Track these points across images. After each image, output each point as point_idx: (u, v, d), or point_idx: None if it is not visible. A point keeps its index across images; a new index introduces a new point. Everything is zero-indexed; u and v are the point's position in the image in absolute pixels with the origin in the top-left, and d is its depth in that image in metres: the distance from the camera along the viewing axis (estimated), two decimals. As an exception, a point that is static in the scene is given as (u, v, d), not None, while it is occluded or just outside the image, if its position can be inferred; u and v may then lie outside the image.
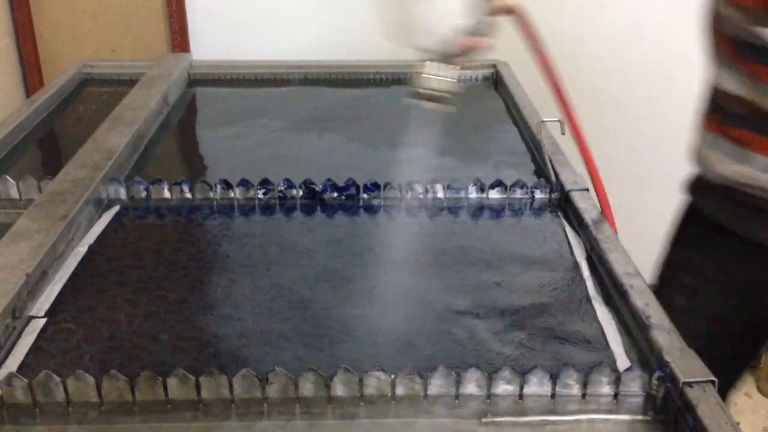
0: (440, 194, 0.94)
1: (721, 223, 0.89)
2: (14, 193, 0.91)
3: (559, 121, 0.97)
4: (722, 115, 0.87)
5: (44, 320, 0.69)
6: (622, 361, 0.65)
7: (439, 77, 0.77)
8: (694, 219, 0.95)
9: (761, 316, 0.92)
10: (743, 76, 0.82)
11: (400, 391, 0.60)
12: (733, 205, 0.87)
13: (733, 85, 0.84)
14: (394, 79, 1.42)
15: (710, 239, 0.91)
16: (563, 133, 0.99)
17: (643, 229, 1.29)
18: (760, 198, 0.83)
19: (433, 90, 0.77)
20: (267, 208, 0.93)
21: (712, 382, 0.58)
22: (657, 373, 0.60)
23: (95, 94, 1.36)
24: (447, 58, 0.78)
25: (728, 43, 0.83)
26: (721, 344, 0.89)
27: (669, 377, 0.59)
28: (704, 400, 0.56)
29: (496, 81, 1.42)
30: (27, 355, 0.65)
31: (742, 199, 0.85)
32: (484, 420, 0.58)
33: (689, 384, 0.58)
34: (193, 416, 0.58)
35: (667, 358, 0.61)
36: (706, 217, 0.91)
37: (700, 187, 0.93)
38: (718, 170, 0.87)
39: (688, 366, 0.59)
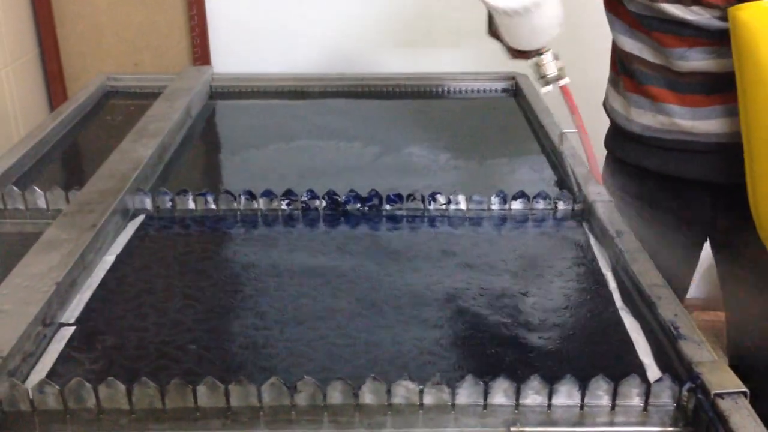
0: (462, 205, 0.95)
1: (647, 168, 1.03)
2: (42, 204, 0.92)
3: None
4: (635, 76, 1.00)
5: (74, 327, 0.70)
6: (653, 372, 0.65)
7: (553, 62, 0.92)
8: (620, 170, 1.09)
9: (698, 237, 1.10)
10: (647, 42, 0.96)
11: (427, 400, 0.60)
12: (658, 150, 1.01)
13: (639, 50, 0.97)
14: (413, 92, 1.43)
15: (639, 184, 1.06)
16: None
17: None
18: (681, 140, 0.98)
19: (553, 73, 0.93)
20: (291, 219, 0.93)
21: (744, 393, 0.58)
22: (687, 385, 0.60)
23: (119, 107, 1.38)
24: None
25: (629, 15, 0.97)
26: (665, 267, 1.05)
27: (700, 389, 0.59)
28: (736, 412, 0.56)
29: (515, 92, 1.42)
30: (56, 362, 0.65)
31: (667, 144, 1.00)
32: (512, 430, 0.58)
33: (721, 395, 0.57)
34: (222, 424, 0.58)
35: (698, 369, 0.60)
36: (631, 166, 1.06)
37: (623, 140, 1.06)
38: (641, 123, 1.01)
39: (719, 377, 0.59)
